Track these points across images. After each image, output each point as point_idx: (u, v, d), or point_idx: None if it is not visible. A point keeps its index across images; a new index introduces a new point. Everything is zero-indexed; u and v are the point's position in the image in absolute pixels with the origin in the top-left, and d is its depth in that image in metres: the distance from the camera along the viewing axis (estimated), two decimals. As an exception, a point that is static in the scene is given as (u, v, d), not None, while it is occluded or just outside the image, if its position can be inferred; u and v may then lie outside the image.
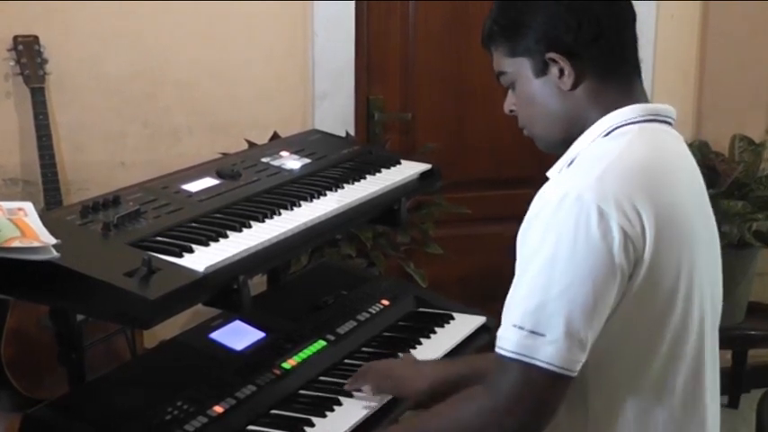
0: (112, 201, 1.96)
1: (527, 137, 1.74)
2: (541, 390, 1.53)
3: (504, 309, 1.56)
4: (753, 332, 3.76)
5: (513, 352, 1.52)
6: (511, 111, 1.73)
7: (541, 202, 1.54)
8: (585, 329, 1.50)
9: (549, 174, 1.68)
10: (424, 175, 2.50)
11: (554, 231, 1.50)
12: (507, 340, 1.53)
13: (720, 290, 1.74)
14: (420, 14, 3.72)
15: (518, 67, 1.66)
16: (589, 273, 1.48)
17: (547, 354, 1.50)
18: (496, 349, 1.55)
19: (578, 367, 1.52)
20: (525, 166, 3.87)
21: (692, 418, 1.65)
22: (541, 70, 1.63)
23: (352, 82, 3.63)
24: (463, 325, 2.46)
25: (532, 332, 1.50)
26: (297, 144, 2.53)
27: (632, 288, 1.53)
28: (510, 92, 1.72)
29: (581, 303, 1.49)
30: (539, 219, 1.53)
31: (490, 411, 1.56)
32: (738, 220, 3.55)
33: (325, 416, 1.96)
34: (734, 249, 3.50)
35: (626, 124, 1.61)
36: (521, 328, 1.51)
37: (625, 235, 1.49)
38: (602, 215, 1.48)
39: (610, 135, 1.61)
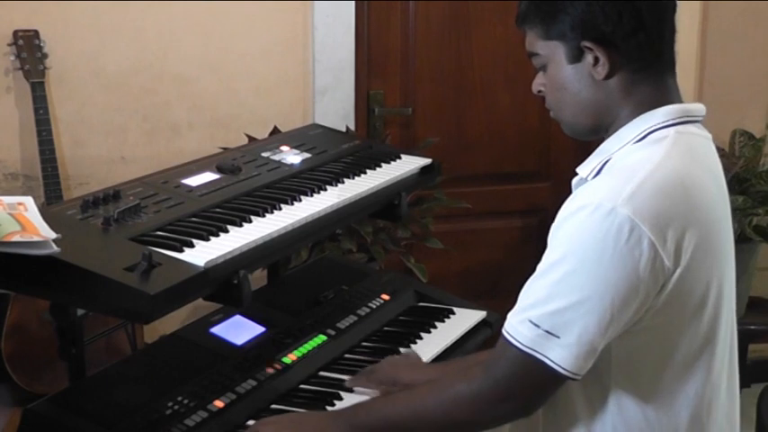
0: (113, 195, 1.96)
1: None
2: (540, 385, 1.56)
3: (521, 299, 1.57)
4: (753, 327, 3.77)
5: (524, 345, 1.53)
6: (539, 91, 1.71)
7: (575, 207, 1.53)
8: (598, 340, 1.51)
9: (578, 170, 1.67)
10: (424, 169, 2.50)
11: (583, 241, 1.49)
12: (521, 333, 1.54)
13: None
14: (420, 9, 3.72)
15: (551, 51, 1.63)
16: (611, 287, 1.49)
17: (557, 355, 1.51)
18: (506, 336, 1.56)
19: (584, 372, 1.53)
20: (525, 161, 3.88)
21: (711, 418, 1.65)
22: (575, 57, 1.61)
23: (352, 76, 3.63)
24: (463, 320, 2.46)
25: (548, 332, 1.51)
26: (297, 139, 2.53)
27: (659, 302, 1.53)
28: (540, 73, 1.70)
29: (598, 315, 1.50)
30: (569, 224, 1.52)
31: (486, 394, 1.59)
32: (739, 215, 3.55)
33: (325, 410, 1.96)
34: (734, 244, 3.49)
35: (661, 127, 1.60)
36: (537, 326, 1.52)
37: (655, 252, 1.48)
38: (633, 231, 1.47)
39: (645, 139, 1.59)
